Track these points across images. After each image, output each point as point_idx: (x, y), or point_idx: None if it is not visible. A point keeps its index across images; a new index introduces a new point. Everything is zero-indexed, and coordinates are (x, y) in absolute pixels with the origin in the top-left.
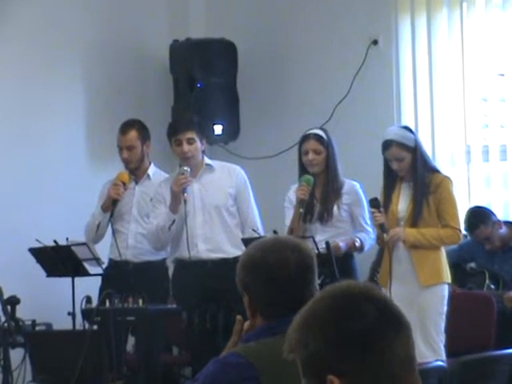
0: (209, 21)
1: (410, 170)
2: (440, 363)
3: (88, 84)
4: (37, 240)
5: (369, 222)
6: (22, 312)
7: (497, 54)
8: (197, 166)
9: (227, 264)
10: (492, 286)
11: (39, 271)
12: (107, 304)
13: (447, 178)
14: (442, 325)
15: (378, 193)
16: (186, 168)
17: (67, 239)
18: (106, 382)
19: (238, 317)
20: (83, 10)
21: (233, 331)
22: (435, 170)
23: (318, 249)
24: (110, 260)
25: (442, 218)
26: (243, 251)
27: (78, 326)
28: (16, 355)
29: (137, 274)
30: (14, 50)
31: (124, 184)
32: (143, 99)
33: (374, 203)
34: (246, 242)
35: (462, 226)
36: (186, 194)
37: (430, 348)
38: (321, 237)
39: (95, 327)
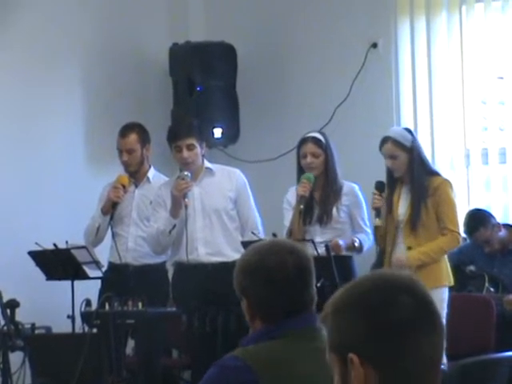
0: (208, 24)
1: (408, 172)
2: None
3: (88, 87)
4: (36, 243)
5: (368, 223)
6: (21, 315)
7: (496, 57)
8: (197, 170)
9: (227, 267)
10: (491, 289)
11: (39, 274)
12: (107, 307)
13: (446, 181)
14: None
15: None
16: (186, 173)
17: (67, 242)
18: None
19: None
20: (83, 13)
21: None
22: (434, 173)
23: (317, 251)
24: (110, 263)
25: (441, 221)
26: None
27: (78, 330)
28: (15, 358)
29: (136, 277)
30: (14, 53)
31: (124, 187)
32: (143, 102)
33: (378, 185)
34: (246, 244)
35: (462, 229)
36: (186, 200)
37: None
38: (320, 239)
39: (95, 330)
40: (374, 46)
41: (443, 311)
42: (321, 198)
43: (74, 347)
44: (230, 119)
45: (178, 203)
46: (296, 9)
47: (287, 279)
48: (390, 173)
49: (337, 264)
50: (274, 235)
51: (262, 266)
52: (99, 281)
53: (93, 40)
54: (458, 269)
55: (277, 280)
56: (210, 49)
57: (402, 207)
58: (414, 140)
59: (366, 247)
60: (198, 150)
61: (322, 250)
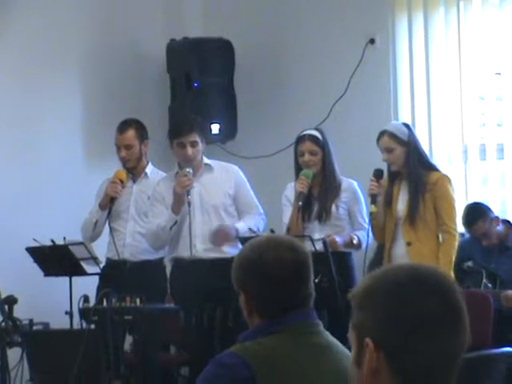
0: (206, 20)
1: (405, 166)
2: None
3: (85, 83)
4: (34, 239)
5: (367, 219)
6: (19, 311)
7: (494, 53)
8: (197, 166)
9: (225, 263)
10: (489, 285)
11: (36, 271)
12: (105, 303)
13: (445, 176)
14: None
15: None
16: (188, 169)
17: (64, 238)
18: (104, 381)
19: None
20: (80, 10)
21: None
22: (433, 168)
23: (315, 247)
24: (108, 259)
25: (440, 217)
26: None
27: (76, 326)
28: (13, 355)
29: (134, 272)
30: (13, 50)
31: (122, 182)
32: (140, 98)
33: (376, 172)
34: (243, 240)
35: (460, 222)
36: (189, 197)
37: None
38: (319, 235)
39: (93, 326)
40: (372, 41)
41: None
42: (319, 194)
43: (71, 343)
44: (228, 115)
45: (181, 200)
46: (293, 5)
47: (285, 275)
48: (390, 175)
49: (335, 260)
50: (272, 231)
51: (261, 261)
52: (97, 277)
53: (90, 37)
54: (455, 265)
55: (275, 275)
56: (207, 45)
57: (402, 203)
58: (412, 134)
59: (364, 244)
60: (200, 146)
61: (320, 247)
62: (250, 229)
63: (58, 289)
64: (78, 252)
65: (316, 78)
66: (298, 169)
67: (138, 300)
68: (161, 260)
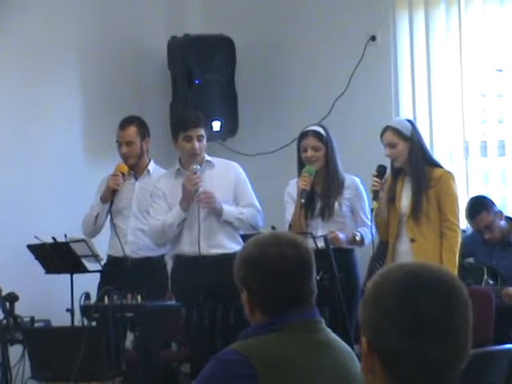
0: (207, 17)
1: (408, 162)
2: None
3: (86, 80)
4: (35, 237)
5: (369, 216)
6: (20, 309)
7: (495, 50)
8: (200, 163)
9: (227, 259)
10: (490, 281)
11: (38, 268)
12: (106, 300)
13: (449, 173)
14: None
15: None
16: (196, 166)
17: (66, 236)
18: (105, 378)
19: None
20: (81, 7)
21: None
22: (436, 165)
23: (316, 244)
24: (109, 256)
25: (443, 214)
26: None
27: (77, 323)
28: (15, 352)
29: (135, 269)
30: (13, 47)
31: (123, 175)
32: (141, 95)
33: (379, 169)
34: (245, 237)
35: (463, 216)
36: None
37: None
38: (322, 233)
39: (94, 324)
40: (373, 38)
41: None
42: (323, 191)
43: (73, 341)
44: (229, 112)
45: (191, 197)
46: (295, 2)
47: (288, 271)
48: (393, 171)
49: (338, 257)
50: (273, 228)
51: (263, 258)
52: (98, 274)
53: (91, 33)
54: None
55: (277, 272)
56: (208, 42)
57: (405, 199)
58: (415, 131)
59: (367, 241)
60: (204, 142)
61: (322, 244)
62: (238, 218)
63: (60, 286)
64: (79, 249)
65: (317, 75)
66: (301, 165)
67: (139, 297)
68: (162, 257)
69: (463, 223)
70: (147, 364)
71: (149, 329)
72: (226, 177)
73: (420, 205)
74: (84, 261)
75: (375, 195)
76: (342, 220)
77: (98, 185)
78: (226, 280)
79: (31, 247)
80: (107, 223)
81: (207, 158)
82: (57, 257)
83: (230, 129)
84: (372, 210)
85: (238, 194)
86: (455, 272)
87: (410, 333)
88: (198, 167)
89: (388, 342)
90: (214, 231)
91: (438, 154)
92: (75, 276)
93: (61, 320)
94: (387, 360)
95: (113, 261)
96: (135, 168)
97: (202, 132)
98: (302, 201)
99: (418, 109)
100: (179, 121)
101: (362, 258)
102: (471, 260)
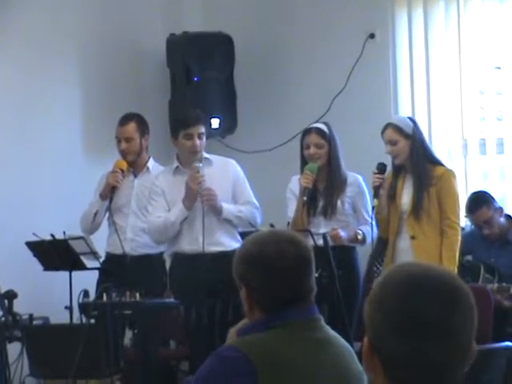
0: (206, 14)
1: (409, 160)
2: None
3: (85, 78)
4: (34, 234)
5: (371, 214)
6: (19, 306)
7: (493, 47)
8: (199, 161)
9: (226, 257)
10: (488, 276)
11: (36, 265)
12: (104, 298)
13: (450, 171)
14: None
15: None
16: (198, 164)
17: (64, 233)
18: (104, 376)
19: None
20: (80, 5)
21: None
22: (437, 163)
23: (315, 242)
24: (108, 253)
25: (443, 212)
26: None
27: (76, 320)
28: (13, 349)
29: (134, 267)
30: (13, 46)
31: (122, 171)
32: (140, 93)
33: (379, 166)
34: (243, 235)
35: (463, 211)
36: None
37: None
38: (325, 230)
39: (92, 321)
40: (372, 36)
41: None
42: (325, 189)
43: (71, 338)
44: (228, 110)
45: (194, 196)
46: None
47: (287, 269)
48: (394, 169)
49: (339, 255)
50: (272, 226)
51: (262, 255)
52: (97, 271)
53: (90, 31)
54: None
55: (276, 269)
56: (207, 39)
57: (406, 197)
58: (416, 128)
59: (369, 239)
60: (204, 140)
61: (321, 241)
62: (237, 216)
63: (58, 283)
64: (77, 246)
65: (316, 73)
66: (304, 162)
67: (137, 295)
68: (161, 254)
69: (462, 221)
70: (146, 362)
71: (147, 326)
72: (224, 174)
73: (421, 202)
74: (83, 258)
75: (376, 192)
76: (345, 218)
77: (97, 182)
78: (224, 277)
79: (30, 244)
80: (105, 221)
81: (205, 155)
82: (55, 254)
83: (229, 126)
84: (373, 207)
85: (237, 191)
86: (455, 270)
87: (409, 333)
88: (200, 165)
89: (388, 343)
90: (214, 229)
91: (437, 151)
92: (74, 273)
93: (59, 317)
94: (388, 361)
95: (111, 258)
96: (134, 165)
97: (203, 130)
98: (305, 199)
99: (417, 106)
100: (180, 118)
101: (363, 256)
102: (469, 258)
